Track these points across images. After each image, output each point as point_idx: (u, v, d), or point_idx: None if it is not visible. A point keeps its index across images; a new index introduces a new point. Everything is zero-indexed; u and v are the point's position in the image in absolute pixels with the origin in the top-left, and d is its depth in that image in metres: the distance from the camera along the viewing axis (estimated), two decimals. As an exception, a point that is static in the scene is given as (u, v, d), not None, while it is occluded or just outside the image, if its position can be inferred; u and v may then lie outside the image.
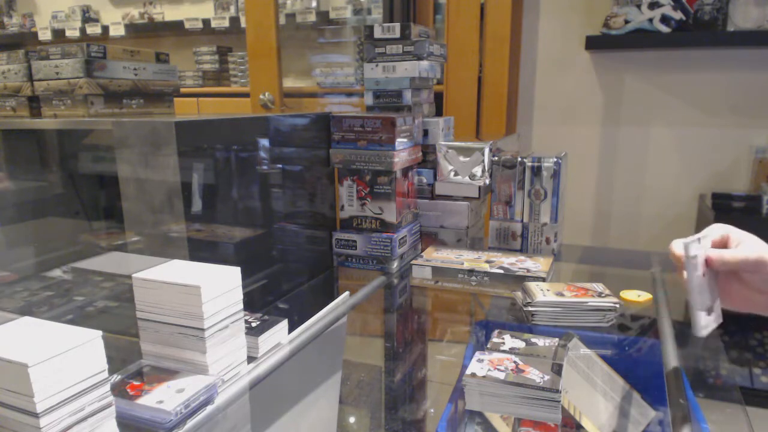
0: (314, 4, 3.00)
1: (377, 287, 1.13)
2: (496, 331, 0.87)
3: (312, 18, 2.96)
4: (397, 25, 1.29)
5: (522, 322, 0.95)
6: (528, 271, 1.09)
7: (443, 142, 1.32)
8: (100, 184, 1.26)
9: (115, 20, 3.55)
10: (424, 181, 1.35)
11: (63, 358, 0.49)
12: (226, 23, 3.23)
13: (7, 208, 1.22)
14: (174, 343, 0.66)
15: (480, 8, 2.11)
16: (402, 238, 1.22)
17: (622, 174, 2.19)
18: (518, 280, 1.07)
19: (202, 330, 0.64)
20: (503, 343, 0.83)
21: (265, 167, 1.04)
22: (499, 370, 0.73)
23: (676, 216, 2.11)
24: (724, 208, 1.89)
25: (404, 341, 1.05)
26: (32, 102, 1.17)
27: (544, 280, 1.06)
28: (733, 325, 1.98)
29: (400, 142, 1.17)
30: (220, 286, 0.65)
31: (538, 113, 2.28)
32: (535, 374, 0.71)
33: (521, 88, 2.28)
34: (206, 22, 3.27)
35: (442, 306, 1.21)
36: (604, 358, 0.87)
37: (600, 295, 0.95)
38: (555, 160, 1.22)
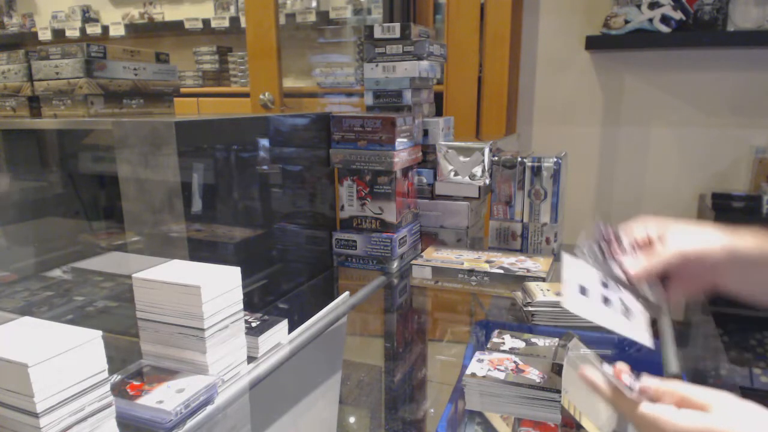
0: (314, 4, 3.00)
1: (377, 287, 1.13)
2: (496, 331, 0.87)
3: (312, 18, 2.96)
4: (397, 25, 1.29)
5: (522, 322, 0.95)
6: (528, 271, 1.09)
7: (443, 142, 1.32)
8: (100, 184, 1.26)
9: (115, 20, 3.55)
10: (424, 181, 1.35)
11: (63, 358, 0.49)
12: (226, 23, 3.22)
13: (7, 208, 1.22)
14: (174, 343, 0.66)
15: (480, 8, 2.11)
16: (402, 238, 1.22)
17: (622, 174, 2.19)
18: (518, 280, 1.07)
19: (202, 330, 0.64)
20: (503, 343, 0.83)
21: (265, 167, 1.04)
22: (499, 370, 0.73)
23: (676, 216, 2.10)
24: (724, 208, 1.89)
25: (404, 341, 1.05)
26: (32, 102, 1.17)
27: (544, 280, 1.06)
28: (733, 324, 1.98)
29: (400, 142, 1.17)
30: (220, 286, 0.65)
31: (538, 113, 2.28)
32: (535, 374, 0.71)
33: (521, 88, 2.28)
34: (206, 22, 3.27)
35: (442, 306, 1.21)
36: (604, 358, 0.87)
37: (600, 295, 0.95)
38: (555, 160, 1.22)
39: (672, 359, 0.79)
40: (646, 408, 0.52)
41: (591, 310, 0.61)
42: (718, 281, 0.66)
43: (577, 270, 0.65)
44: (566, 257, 0.66)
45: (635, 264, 0.66)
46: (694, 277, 0.67)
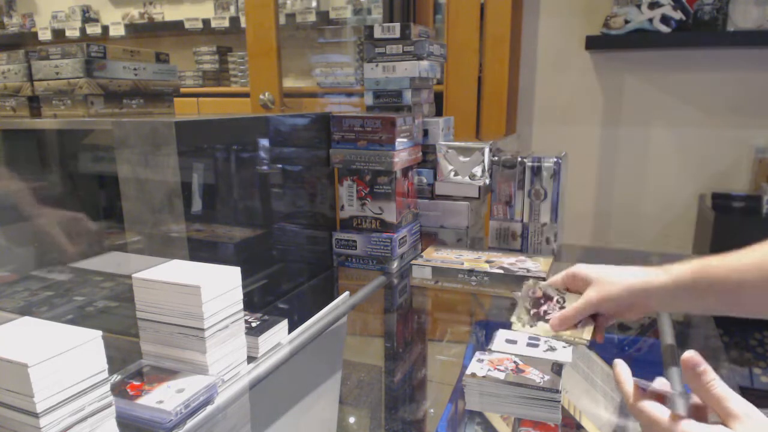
0: (314, 4, 3.00)
1: (377, 287, 1.13)
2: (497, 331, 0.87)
3: (312, 18, 2.96)
4: (397, 25, 1.29)
5: (522, 322, 0.95)
6: (528, 271, 1.09)
7: (443, 142, 1.32)
8: (100, 184, 1.25)
9: (115, 20, 3.55)
10: (424, 181, 1.35)
11: (63, 358, 0.49)
12: (226, 23, 3.22)
13: (8, 208, 1.22)
14: (174, 343, 0.66)
15: (480, 8, 2.11)
16: (402, 238, 1.22)
17: (622, 174, 2.19)
18: (518, 280, 1.07)
19: (202, 330, 0.64)
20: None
21: (265, 167, 1.04)
22: (499, 370, 0.73)
23: (676, 216, 2.10)
24: (724, 208, 1.89)
25: (404, 341, 1.05)
26: (32, 102, 1.17)
27: (544, 280, 1.06)
28: (733, 325, 1.98)
29: (400, 142, 1.17)
30: (220, 286, 0.65)
31: (538, 113, 2.28)
32: (535, 374, 0.71)
33: (521, 88, 2.28)
34: (206, 22, 3.27)
35: (442, 306, 1.21)
36: (604, 358, 0.87)
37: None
38: (555, 160, 1.22)
39: (672, 359, 0.79)
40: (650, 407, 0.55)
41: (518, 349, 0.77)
42: (636, 312, 0.78)
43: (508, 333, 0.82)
44: (500, 332, 0.83)
45: (556, 321, 0.81)
46: (617, 312, 0.79)
